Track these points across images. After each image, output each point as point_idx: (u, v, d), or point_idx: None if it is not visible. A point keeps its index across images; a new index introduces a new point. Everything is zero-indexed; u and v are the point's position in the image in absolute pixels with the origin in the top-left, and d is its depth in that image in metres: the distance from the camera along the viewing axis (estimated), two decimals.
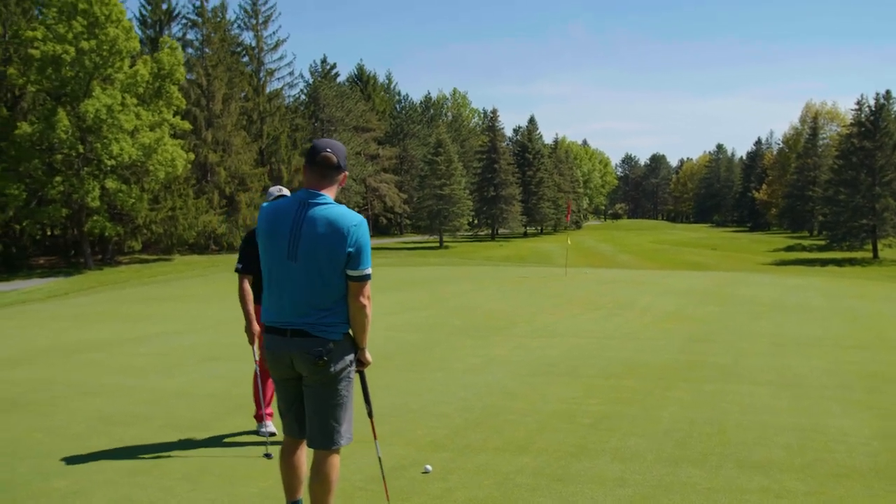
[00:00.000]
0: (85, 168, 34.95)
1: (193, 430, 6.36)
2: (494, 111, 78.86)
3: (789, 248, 65.51)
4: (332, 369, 3.76)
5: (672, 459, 5.44)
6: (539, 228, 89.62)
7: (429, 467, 5.24)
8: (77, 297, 20.68)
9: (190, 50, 48.77)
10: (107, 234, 36.74)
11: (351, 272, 3.71)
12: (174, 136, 38.74)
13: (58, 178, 33.94)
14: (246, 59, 55.57)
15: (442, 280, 22.09)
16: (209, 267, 33.22)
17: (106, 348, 10.75)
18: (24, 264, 37.96)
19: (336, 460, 3.88)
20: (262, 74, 55.75)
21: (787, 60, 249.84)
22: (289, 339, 3.77)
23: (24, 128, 32.71)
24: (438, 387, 7.92)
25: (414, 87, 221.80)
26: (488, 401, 7.27)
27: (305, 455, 4.08)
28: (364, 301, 3.76)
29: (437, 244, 63.96)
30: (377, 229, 72.27)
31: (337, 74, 71.46)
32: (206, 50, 48.88)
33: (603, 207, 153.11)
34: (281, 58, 70.09)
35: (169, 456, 5.68)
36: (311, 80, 67.34)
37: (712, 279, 22.64)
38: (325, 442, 3.85)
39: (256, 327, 5.97)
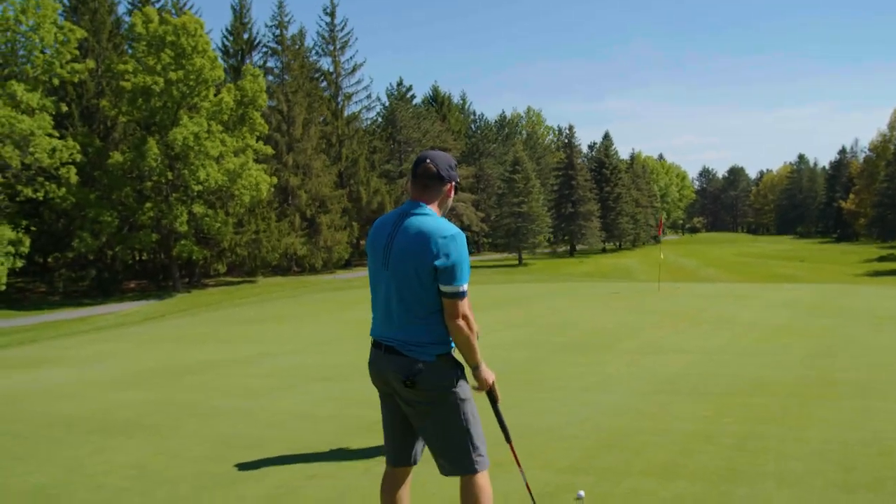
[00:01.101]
0: (173, 194, 35.96)
1: (319, 453, 6.17)
2: (571, 127, 78.53)
3: (882, 259, 62.92)
4: (425, 393, 3.48)
5: (843, 485, 4.99)
6: (618, 244, 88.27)
7: (582, 493, 4.91)
8: (173, 318, 21.05)
9: (270, 77, 49.85)
10: (194, 257, 37.66)
11: (442, 288, 3.42)
12: (257, 160, 39.50)
13: (148, 205, 35.00)
14: (324, 84, 56.56)
15: (532, 297, 21.72)
16: (297, 288, 33.61)
17: (213, 370, 10.76)
18: (116, 288, 39.15)
19: (479, 484, 3.55)
20: (340, 99, 56.62)
21: (869, 66, 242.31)
22: (384, 354, 3.56)
23: (117, 157, 33.88)
24: (560, 406, 7.59)
25: (488, 106, 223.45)
26: (616, 421, 6.91)
27: (409, 490, 3.81)
28: (459, 322, 3.46)
29: (517, 262, 63.57)
30: None
31: (413, 96, 72.20)
32: (286, 77, 49.92)
33: (681, 221, 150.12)
34: (358, 82, 71.31)
35: (299, 481, 5.50)
36: (387, 103, 68.15)
37: (815, 291, 21.67)
38: (454, 469, 3.58)
39: None
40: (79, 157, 32.09)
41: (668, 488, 5.04)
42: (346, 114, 57.09)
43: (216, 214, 36.96)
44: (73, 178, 31.86)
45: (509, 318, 16.25)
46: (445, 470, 3.63)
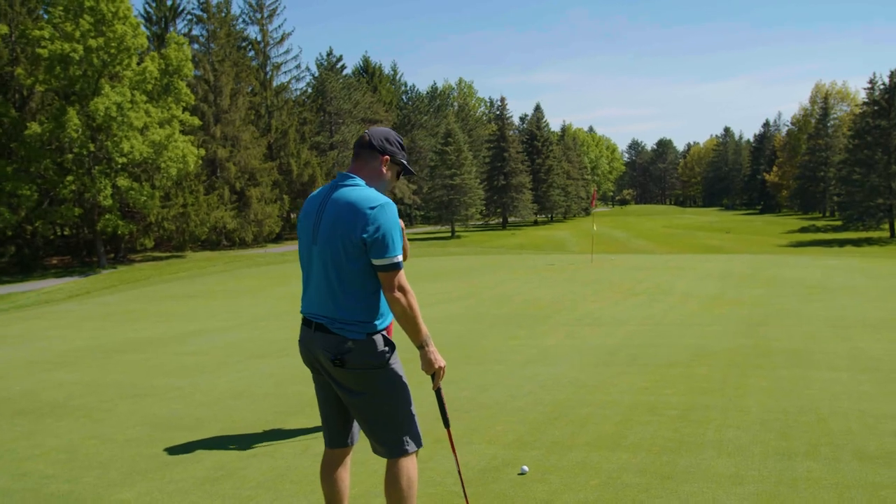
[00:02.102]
0: (96, 167, 34.69)
1: (258, 433, 6.01)
2: (503, 99, 78.33)
3: (804, 230, 64.95)
4: (354, 372, 3.34)
5: (782, 452, 5.07)
6: (549, 216, 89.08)
7: (525, 468, 4.87)
8: (101, 296, 20.37)
9: (196, 46, 48.40)
10: (119, 232, 36.53)
11: (374, 261, 3.26)
12: (183, 132, 38.42)
13: (69, 178, 33.68)
14: (252, 53, 55.17)
15: (469, 270, 21.70)
16: (228, 263, 32.92)
17: (147, 348, 10.42)
18: (37, 265, 37.76)
19: (405, 465, 3.44)
20: (268, 69, 55.36)
21: (789, 42, 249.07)
22: (313, 332, 3.40)
23: (34, 128, 32.42)
24: (503, 380, 7.56)
25: (420, 77, 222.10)
26: (560, 393, 6.91)
27: (348, 470, 3.69)
28: (397, 294, 3.27)
29: (449, 234, 63.59)
30: None
31: (343, 67, 70.97)
32: (212, 45, 48.57)
33: (611, 194, 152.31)
34: (287, 51, 69.43)
35: (237, 461, 5.33)
36: (317, 73, 66.93)
37: (745, 262, 22.19)
38: (384, 451, 3.47)
39: None
40: None
41: (612, 460, 5.05)
42: (274, 84, 55.80)
43: (142, 187, 35.79)
44: None
45: (446, 290, 16.20)
46: (376, 450, 3.52)
